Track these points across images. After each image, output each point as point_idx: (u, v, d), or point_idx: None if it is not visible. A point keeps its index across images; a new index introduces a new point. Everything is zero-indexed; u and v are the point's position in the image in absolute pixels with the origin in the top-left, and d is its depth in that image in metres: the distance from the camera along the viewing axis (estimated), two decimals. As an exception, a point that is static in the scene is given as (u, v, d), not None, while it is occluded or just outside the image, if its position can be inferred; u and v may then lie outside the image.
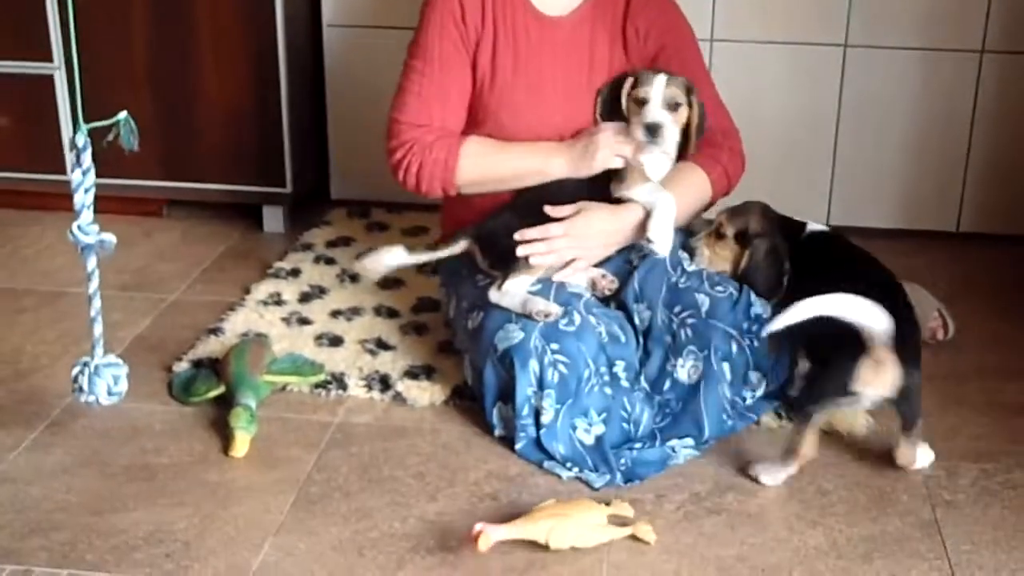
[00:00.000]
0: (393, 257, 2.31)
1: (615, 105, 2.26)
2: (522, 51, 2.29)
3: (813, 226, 2.27)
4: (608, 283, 2.26)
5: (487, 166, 2.27)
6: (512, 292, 2.18)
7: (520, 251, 2.20)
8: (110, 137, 2.00)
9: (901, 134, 3.13)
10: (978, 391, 2.38)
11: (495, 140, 2.28)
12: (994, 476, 2.10)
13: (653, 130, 2.21)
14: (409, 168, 2.27)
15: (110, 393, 2.13)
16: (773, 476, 2.05)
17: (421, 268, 2.85)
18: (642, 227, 2.23)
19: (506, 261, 2.21)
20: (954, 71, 3.05)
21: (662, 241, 2.20)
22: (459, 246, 2.30)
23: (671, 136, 2.23)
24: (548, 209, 2.23)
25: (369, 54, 3.18)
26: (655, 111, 2.22)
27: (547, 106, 2.29)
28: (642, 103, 2.23)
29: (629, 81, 2.25)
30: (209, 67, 3.00)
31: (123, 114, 2.00)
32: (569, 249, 2.22)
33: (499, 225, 2.24)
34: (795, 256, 2.21)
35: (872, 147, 3.14)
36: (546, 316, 2.13)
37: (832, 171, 3.17)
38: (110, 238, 2.04)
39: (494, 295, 2.20)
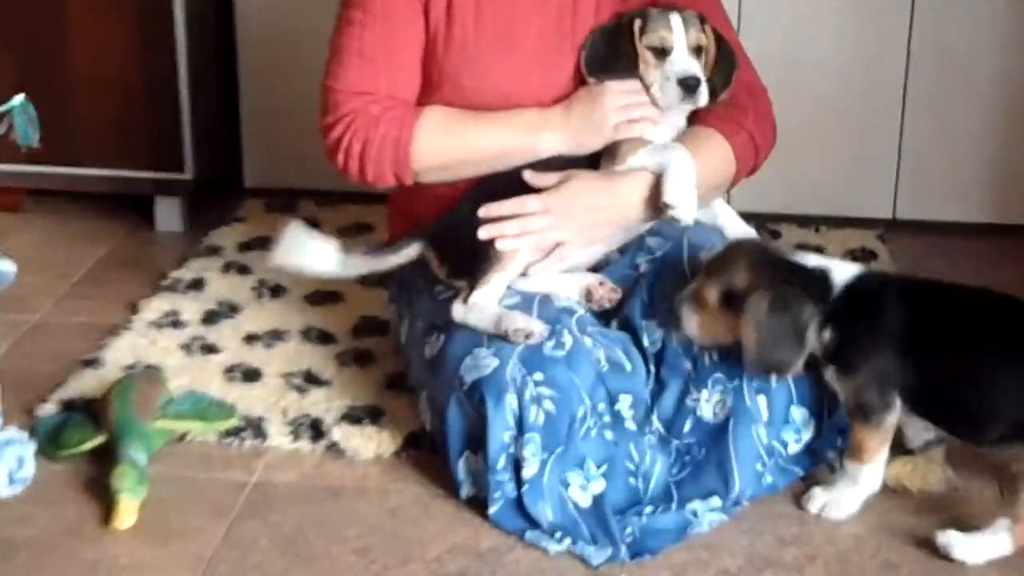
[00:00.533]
0: (319, 258, 2.30)
1: (611, 57, 2.26)
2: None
3: (839, 268, 2.14)
4: (608, 292, 2.26)
5: (454, 144, 2.27)
6: (481, 306, 2.18)
7: (483, 232, 2.20)
8: (1, 129, 1.98)
9: (988, 99, 3.16)
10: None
11: (462, 110, 2.28)
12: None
13: (690, 85, 2.22)
14: (351, 149, 2.26)
15: (12, 480, 2.14)
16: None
17: (363, 279, 2.86)
18: (651, 201, 2.23)
19: (471, 266, 2.21)
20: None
21: (685, 204, 2.19)
22: (410, 251, 2.30)
23: (705, 91, 2.25)
24: (527, 175, 2.23)
25: (292, 1, 3.18)
26: (686, 59, 2.23)
27: (519, 63, 2.29)
28: (661, 52, 2.24)
29: (637, 24, 2.26)
30: (83, 20, 2.99)
31: (19, 98, 1.98)
32: (551, 230, 2.22)
33: (460, 220, 2.24)
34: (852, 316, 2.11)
35: (950, 118, 3.17)
36: (527, 336, 2.13)
37: (899, 150, 3.20)
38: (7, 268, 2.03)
39: (459, 311, 2.20)
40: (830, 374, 2.10)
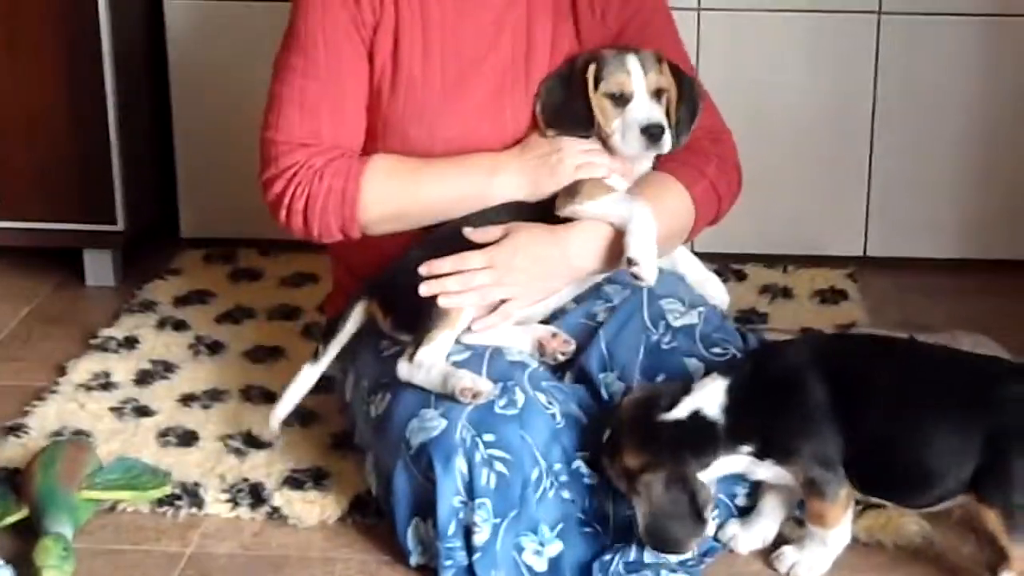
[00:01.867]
0: (303, 380, 2.30)
1: (567, 109, 2.25)
2: (435, 37, 2.28)
3: (710, 391, 2.06)
4: (561, 345, 2.24)
5: (403, 193, 2.25)
6: (428, 365, 2.16)
7: (424, 288, 2.17)
8: None
9: (960, 131, 3.17)
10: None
11: (410, 158, 2.26)
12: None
13: (654, 134, 2.21)
14: (293, 205, 2.24)
15: None
16: None
17: (306, 332, 2.84)
18: (603, 253, 2.21)
19: (416, 322, 2.19)
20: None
21: (648, 262, 2.17)
22: (357, 314, 2.28)
23: (669, 137, 2.23)
24: (467, 231, 2.21)
25: (231, 37, 3.16)
26: (647, 105, 2.22)
27: (470, 111, 2.27)
28: (620, 99, 2.22)
29: (591, 70, 2.23)
30: (3, 61, 2.98)
31: None
32: (495, 286, 2.20)
33: (404, 272, 2.21)
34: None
35: (920, 153, 3.18)
36: (474, 396, 2.10)
37: (868, 186, 3.21)
38: None
39: (404, 369, 2.17)
40: (769, 467, 2.06)
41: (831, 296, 3.06)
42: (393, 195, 2.25)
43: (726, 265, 3.15)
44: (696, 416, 2.05)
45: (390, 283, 2.25)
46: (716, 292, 2.38)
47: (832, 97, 3.16)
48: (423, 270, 2.19)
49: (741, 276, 3.15)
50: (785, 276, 3.16)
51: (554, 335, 2.25)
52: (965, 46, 3.11)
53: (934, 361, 2.09)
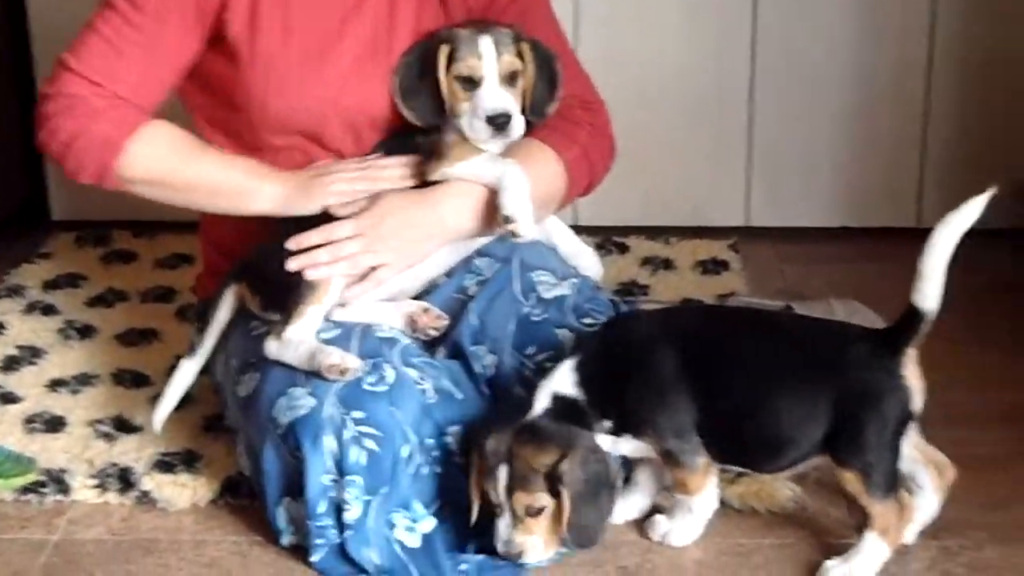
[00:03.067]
0: (183, 376, 2.30)
1: (418, 89, 2.24)
2: (295, 9, 2.26)
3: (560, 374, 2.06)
4: (433, 320, 2.25)
5: (168, 164, 2.23)
6: (296, 342, 2.15)
7: (293, 263, 2.17)
8: None
9: (839, 101, 3.21)
10: (942, 443, 2.38)
11: (196, 139, 2.26)
12: (958, 555, 2.13)
13: (501, 123, 2.20)
14: (58, 132, 2.21)
15: None
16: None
17: (180, 314, 2.83)
18: (478, 214, 2.21)
19: (284, 299, 2.18)
20: (903, 10, 3.15)
21: (525, 218, 2.17)
22: (228, 299, 2.27)
23: (520, 123, 2.23)
24: (333, 206, 2.21)
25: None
26: (495, 93, 2.21)
27: (332, 84, 2.26)
28: (469, 83, 2.21)
29: (443, 50, 2.23)
30: None
31: None
32: (365, 254, 2.19)
33: (271, 251, 2.21)
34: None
35: (800, 121, 3.22)
36: (342, 373, 2.10)
37: (749, 157, 3.25)
38: None
39: (272, 347, 2.17)
40: (628, 441, 2.06)
41: (712, 267, 3.09)
42: (158, 161, 2.22)
43: (608, 238, 3.17)
44: (558, 399, 2.05)
45: (258, 264, 2.24)
46: (589, 263, 2.39)
47: (711, 69, 3.19)
48: (291, 244, 2.18)
49: (623, 248, 3.17)
50: (667, 247, 3.18)
51: (426, 310, 2.25)
52: (842, 17, 3.15)
53: (781, 328, 2.11)
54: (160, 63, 2.24)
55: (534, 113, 2.25)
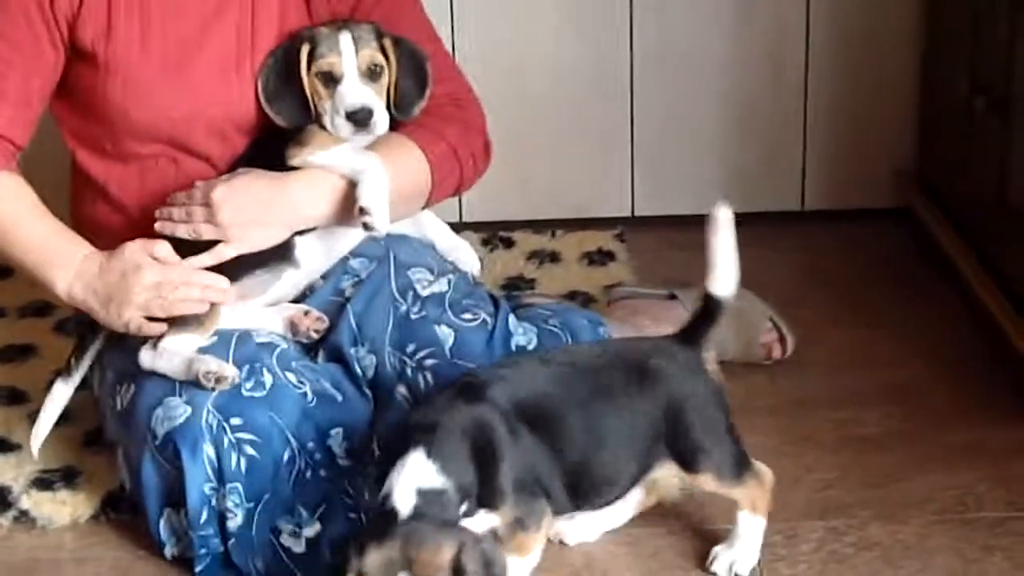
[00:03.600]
0: (56, 400, 2.27)
1: (282, 89, 2.23)
2: (155, 14, 2.24)
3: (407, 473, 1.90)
4: (314, 322, 2.24)
5: None
6: (171, 351, 2.14)
7: (158, 225, 2.17)
8: None
9: (717, 88, 3.23)
10: (827, 424, 2.45)
11: (31, 205, 2.21)
12: (844, 535, 2.15)
13: (362, 119, 2.19)
14: None
15: None
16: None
17: (59, 328, 2.80)
18: (333, 203, 2.20)
19: (172, 323, 2.16)
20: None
21: (380, 212, 2.16)
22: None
23: (383, 119, 2.22)
24: (197, 183, 2.20)
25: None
26: (355, 89, 2.20)
27: (194, 90, 2.24)
28: (330, 80, 2.21)
29: (304, 49, 2.22)
30: None
31: None
32: (207, 224, 2.17)
33: None
34: None
35: (681, 110, 3.23)
36: (218, 380, 2.09)
37: (632, 146, 3.25)
38: None
39: (147, 358, 2.15)
40: (483, 517, 1.96)
41: (599, 258, 3.10)
42: None
43: (494, 233, 3.17)
44: (424, 492, 1.89)
45: None
46: (466, 258, 2.39)
47: (591, 59, 3.19)
48: (157, 213, 2.19)
49: (509, 243, 3.17)
50: (553, 241, 3.18)
51: (306, 313, 2.25)
52: (717, 5, 3.17)
53: (600, 361, 2.06)
54: (19, 82, 2.21)
55: (401, 111, 2.25)
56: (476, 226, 3.11)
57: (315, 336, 2.25)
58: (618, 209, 3.28)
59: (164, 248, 2.16)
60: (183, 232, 2.17)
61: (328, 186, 2.20)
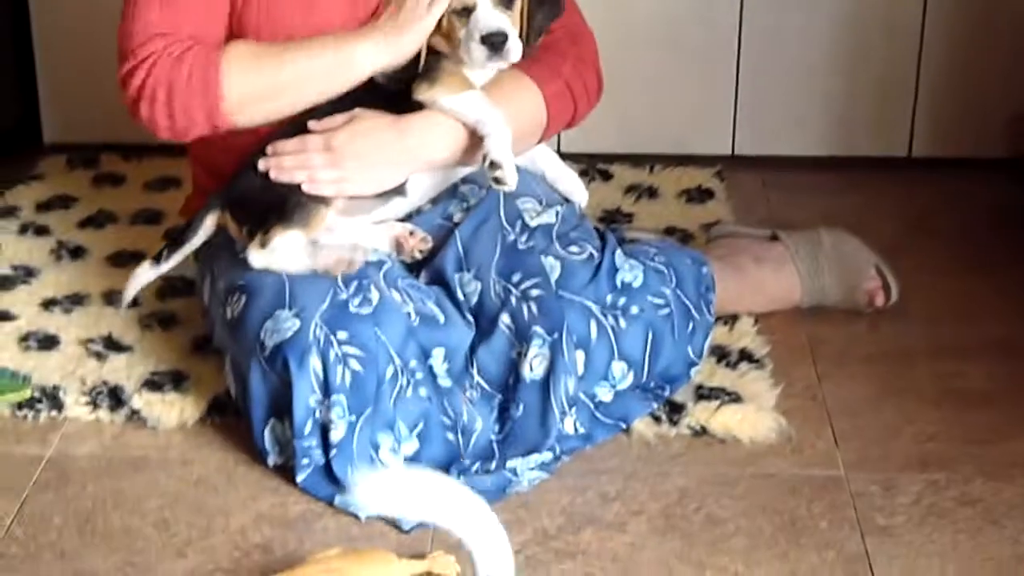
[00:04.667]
0: (139, 278, 2.32)
1: None
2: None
3: None
4: (419, 243, 2.27)
5: (266, 73, 2.20)
6: (284, 248, 2.18)
7: (262, 163, 2.20)
8: None
9: (828, 29, 3.19)
10: (929, 376, 2.44)
11: (273, 44, 2.23)
12: (946, 490, 2.14)
13: (496, 43, 2.19)
14: (155, 97, 2.18)
15: None
16: None
17: (169, 235, 2.84)
18: (454, 147, 2.22)
19: (278, 219, 2.20)
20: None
21: (510, 166, 2.18)
22: (208, 224, 2.29)
23: (516, 46, 2.21)
24: (311, 124, 2.22)
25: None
26: (490, 13, 2.19)
27: (322, 16, 2.26)
28: (464, 11, 2.20)
29: None
30: None
31: None
32: (329, 167, 2.20)
33: (252, 180, 2.22)
34: None
35: (788, 50, 3.21)
36: (349, 265, 2.14)
37: (736, 84, 3.23)
38: None
39: (258, 257, 2.18)
40: None
41: (697, 195, 3.08)
42: (256, 75, 2.20)
43: (592, 165, 3.17)
44: None
45: (242, 192, 2.24)
46: (575, 190, 2.41)
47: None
48: (268, 149, 2.21)
49: (607, 176, 3.17)
50: (651, 176, 3.17)
51: (412, 233, 2.27)
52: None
53: None
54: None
55: (530, 40, 2.24)
56: (574, 157, 3.07)
57: (419, 256, 2.27)
58: (718, 147, 3.26)
59: None
60: (300, 178, 2.20)
61: (449, 130, 2.22)
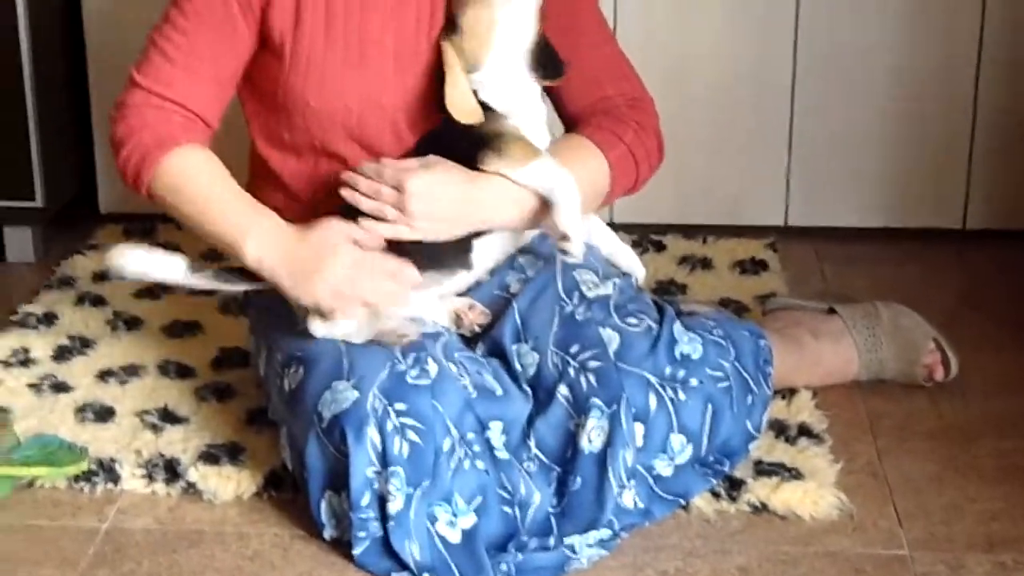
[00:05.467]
0: (168, 268, 2.26)
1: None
2: (339, 11, 2.27)
3: None
4: (478, 316, 2.27)
5: (183, 196, 2.23)
6: (345, 319, 2.17)
7: (344, 192, 2.20)
8: None
9: (883, 98, 3.19)
10: (991, 452, 2.40)
11: (220, 174, 2.24)
12: (1014, 572, 2.11)
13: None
14: (115, 134, 2.26)
15: None
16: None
17: (225, 308, 2.86)
18: (518, 212, 2.22)
19: None
20: (949, 8, 3.12)
21: (579, 236, 2.18)
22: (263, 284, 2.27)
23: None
24: (386, 160, 2.22)
25: (148, 9, 3.13)
26: None
27: (372, 81, 2.28)
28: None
29: None
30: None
31: None
32: (395, 208, 2.18)
33: None
34: None
35: (842, 120, 3.20)
36: (402, 337, 2.14)
37: (789, 154, 3.23)
38: None
39: (319, 327, 2.18)
40: None
41: (751, 267, 3.08)
42: (175, 191, 2.23)
43: (645, 236, 3.17)
44: None
45: None
46: (632, 265, 2.40)
47: (752, 62, 3.17)
48: (344, 176, 2.21)
49: (660, 247, 3.16)
50: (704, 247, 3.17)
51: (471, 307, 2.27)
52: (887, 11, 3.13)
53: None
54: (208, 65, 2.26)
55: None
56: (627, 228, 3.10)
57: (478, 329, 2.27)
58: (771, 217, 3.26)
59: (361, 233, 2.18)
60: (366, 207, 2.19)
61: (521, 197, 2.22)
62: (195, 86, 2.26)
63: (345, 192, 2.21)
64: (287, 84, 2.28)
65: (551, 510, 2.17)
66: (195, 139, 2.25)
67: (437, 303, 2.28)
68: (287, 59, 2.27)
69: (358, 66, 2.27)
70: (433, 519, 2.10)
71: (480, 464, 2.14)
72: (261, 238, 2.19)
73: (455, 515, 2.11)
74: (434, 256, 2.23)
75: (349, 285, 2.16)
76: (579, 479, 2.16)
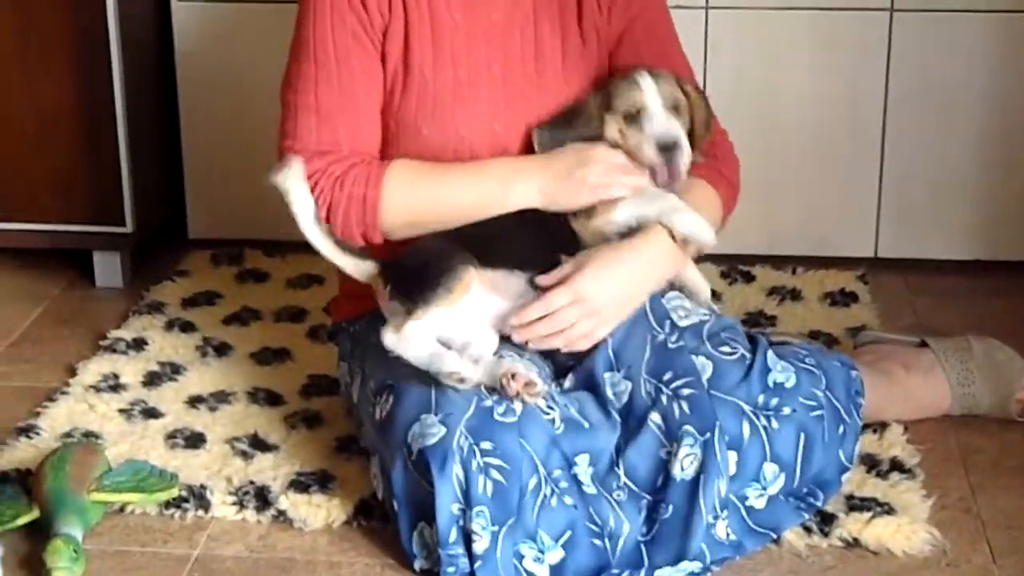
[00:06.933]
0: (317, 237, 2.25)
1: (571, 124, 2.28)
2: (445, 39, 2.30)
3: None
4: (523, 388, 2.18)
5: (423, 199, 2.26)
6: (416, 339, 2.17)
7: (516, 336, 2.21)
8: None
9: (973, 129, 3.18)
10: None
11: (428, 163, 2.28)
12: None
13: (670, 146, 2.23)
14: (322, 208, 2.25)
15: None
16: None
17: (313, 335, 2.89)
18: (674, 254, 2.25)
19: (416, 289, 2.19)
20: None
21: (704, 228, 2.23)
22: (366, 266, 2.26)
23: (687, 153, 2.25)
24: (539, 279, 2.23)
25: (239, 38, 3.20)
26: (663, 119, 2.24)
27: (481, 110, 2.30)
28: (635, 117, 2.25)
29: (596, 99, 2.27)
30: (15, 68, 3.02)
31: None
32: (585, 317, 2.21)
33: (418, 248, 2.24)
34: None
35: (933, 151, 3.20)
36: (460, 382, 2.13)
37: (879, 185, 3.22)
38: None
39: (390, 339, 2.18)
40: None
41: (841, 298, 3.06)
42: (412, 201, 2.26)
43: (734, 266, 3.17)
44: None
45: (403, 259, 2.25)
46: (695, 281, 2.38)
47: (843, 95, 3.17)
48: (514, 320, 2.21)
49: (749, 278, 3.16)
50: (794, 278, 3.17)
51: (522, 378, 2.19)
52: (978, 42, 3.12)
53: None
54: (364, 105, 2.29)
55: (695, 148, 2.27)
56: (715, 259, 3.10)
57: (527, 399, 2.19)
58: (861, 249, 3.25)
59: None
60: (559, 343, 2.22)
61: (661, 239, 2.24)
62: (359, 131, 2.29)
63: (532, 344, 2.22)
64: (399, 114, 2.31)
65: (641, 539, 2.17)
66: (386, 167, 2.27)
67: (491, 360, 2.22)
68: (398, 92, 2.30)
69: (467, 97, 2.30)
70: (520, 556, 2.11)
71: (568, 500, 2.14)
72: (525, 179, 2.25)
73: (541, 551, 2.12)
74: (525, 264, 2.25)
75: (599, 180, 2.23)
76: (671, 507, 2.16)
